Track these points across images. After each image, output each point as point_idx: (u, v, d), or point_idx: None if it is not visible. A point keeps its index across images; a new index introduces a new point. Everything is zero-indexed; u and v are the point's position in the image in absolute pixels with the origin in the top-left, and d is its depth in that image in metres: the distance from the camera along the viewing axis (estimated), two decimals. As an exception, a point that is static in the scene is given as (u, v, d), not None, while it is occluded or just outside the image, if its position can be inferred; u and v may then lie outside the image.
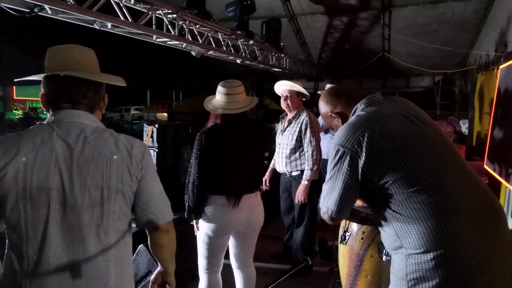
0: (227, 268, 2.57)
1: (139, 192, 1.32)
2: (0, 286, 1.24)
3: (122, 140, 1.30)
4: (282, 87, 3.35)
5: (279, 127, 3.55)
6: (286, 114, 3.49)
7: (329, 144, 4.49)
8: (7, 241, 1.23)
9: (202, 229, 2.31)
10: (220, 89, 2.28)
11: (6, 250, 1.24)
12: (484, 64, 6.19)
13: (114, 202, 1.25)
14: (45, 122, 1.28)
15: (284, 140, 3.39)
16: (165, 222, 1.39)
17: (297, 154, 3.32)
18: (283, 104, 3.38)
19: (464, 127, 5.96)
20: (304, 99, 3.43)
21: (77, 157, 1.22)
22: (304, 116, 3.30)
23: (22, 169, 1.16)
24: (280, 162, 3.42)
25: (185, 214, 2.33)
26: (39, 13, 2.80)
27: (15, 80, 1.43)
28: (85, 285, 1.22)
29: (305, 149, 3.27)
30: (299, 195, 3.24)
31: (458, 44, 7.21)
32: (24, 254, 1.17)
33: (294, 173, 3.37)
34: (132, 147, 1.31)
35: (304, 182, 3.24)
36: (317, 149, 3.27)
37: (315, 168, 3.24)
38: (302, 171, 3.32)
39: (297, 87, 3.32)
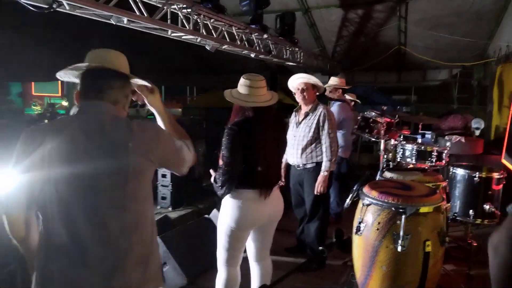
0: (244, 261, 2.59)
1: (160, 165, 1.52)
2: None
3: (135, 127, 1.40)
4: (298, 80, 3.36)
5: (293, 120, 3.55)
6: (300, 107, 3.50)
7: (340, 141, 4.56)
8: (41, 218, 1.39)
9: (226, 222, 2.30)
10: (245, 82, 2.27)
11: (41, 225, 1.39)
12: (504, 56, 6.05)
13: (133, 185, 1.36)
14: (71, 113, 1.40)
15: (300, 132, 3.40)
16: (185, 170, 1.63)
17: (313, 146, 3.34)
18: (298, 97, 3.39)
19: (474, 126, 5.88)
20: (318, 92, 3.43)
21: (96, 144, 1.31)
22: (321, 109, 3.33)
23: (47, 156, 1.27)
24: (294, 154, 3.42)
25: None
26: (57, 9, 2.86)
27: (58, 74, 1.54)
28: (109, 263, 1.33)
29: (323, 141, 3.30)
30: (319, 186, 3.29)
31: (476, 36, 7.04)
32: (51, 232, 1.31)
33: (308, 165, 3.38)
34: (145, 131, 1.42)
35: (323, 173, 3.28)
36: (335, 141, 3.33)
37: (333, 159, 3.29)
38: (316, 163, 3.34)
39: (313, 79, 3.34)
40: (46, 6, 2.79)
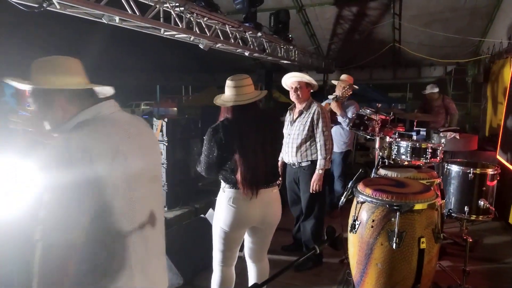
0: (240, 261, 2.58)
1: None
2: None
3: None
4: (291, 79, 3.36)
5: (287, 118, 3.55)
6: (295, 106, 3.50)
7: (335, 136, 4.57)
8: None
9: (218, 223, 2.33)
10: (228, 83, 2.28)
11: None
12: (498, 53, 6.06)
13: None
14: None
15: (294, 130, 3.40)
16: None
17: (308, 144, 3.34)
18: (292, 96, 3.39)
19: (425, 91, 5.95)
20: (312, 90, 3.44)
21: (147, 139, 1.53)
22: (315, 107, 3.34)
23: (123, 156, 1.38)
24: (289, 152, 3.42)
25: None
26: (48, 8, 2.82)
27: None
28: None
29: (318, 139, 3.30)
30: (314, 184, 3.29)
31: (471, 33, 7.05)
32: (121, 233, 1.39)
33: (303, 164, 3.38)
34: None
35: (318, 171, 3.29)
36: (330, 139, 3.33)
37: (328, 157, 3.29)
38: (311, 162, 3.35)
39: (306, 77, 3.34)
40: (37, 5, 2.76)
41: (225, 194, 2.28)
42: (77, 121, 1.30)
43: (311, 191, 3.33)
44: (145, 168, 1.37)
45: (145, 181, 1.37)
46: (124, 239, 1.27)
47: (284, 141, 3.48)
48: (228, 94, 2.27)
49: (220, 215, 2.29)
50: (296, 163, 3.41)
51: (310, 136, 3.33)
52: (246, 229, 2.40)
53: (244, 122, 2.23)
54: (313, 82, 3.39)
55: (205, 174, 2.33)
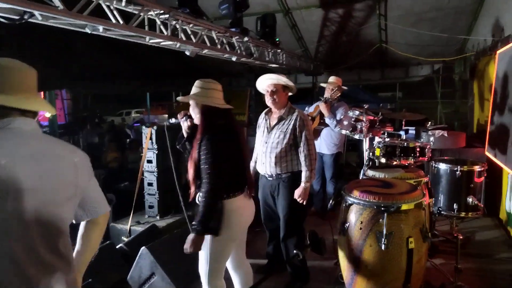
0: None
1: None
2: None
3: None
4: (267, 81, 3.06)
5: (262, 124, 3.22)
6: (271, 110, 3.21)
7: (325, 138, 4.66)
8: None
9: (221, 234, 2.20)
10: (212, 86, 2.30)
11: None
12: (482, 50, 6.14)
13: None
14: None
15: (273, 138, 3.09)
16: None
17: (289, 154, 3.06)
18: (268, 101, 3.08)
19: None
20: (290, 93, 3.16)
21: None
22: (297, 114, 3.06)
23: None
24: (266, 163, 3.10)
25: (199, 228, 2.16)
26: (29, 20, 2.80)
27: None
28: None
29: (302, 149, 3.03)
30: (299, 199, 3.02)
31: (456, 31, 7.14)
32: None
33: (283, 175, 3.08)
34: None
35: (305, 184, 3.01)
36: (314, 148, 3.09)
37: (313, 168, 3.05)
38: (292, 173, 3.07)
39: (283, 79, 3.03)
40: (18, 17, 2.73)
41: (228, 205, 2.20)
42: None
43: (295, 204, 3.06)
44: (37, 189, 1.24)
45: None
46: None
47: (260, 149, 3.19)
48: (215, 96, 2.28)
49: (226, 225, 2.20)
50: (274, 175, 3.09)
51: (291, 146, 3.03)
52: None
53: (236, 126, 2.38)
54: (290, 83, 3.08)
55: (215, 191, 2.13)
